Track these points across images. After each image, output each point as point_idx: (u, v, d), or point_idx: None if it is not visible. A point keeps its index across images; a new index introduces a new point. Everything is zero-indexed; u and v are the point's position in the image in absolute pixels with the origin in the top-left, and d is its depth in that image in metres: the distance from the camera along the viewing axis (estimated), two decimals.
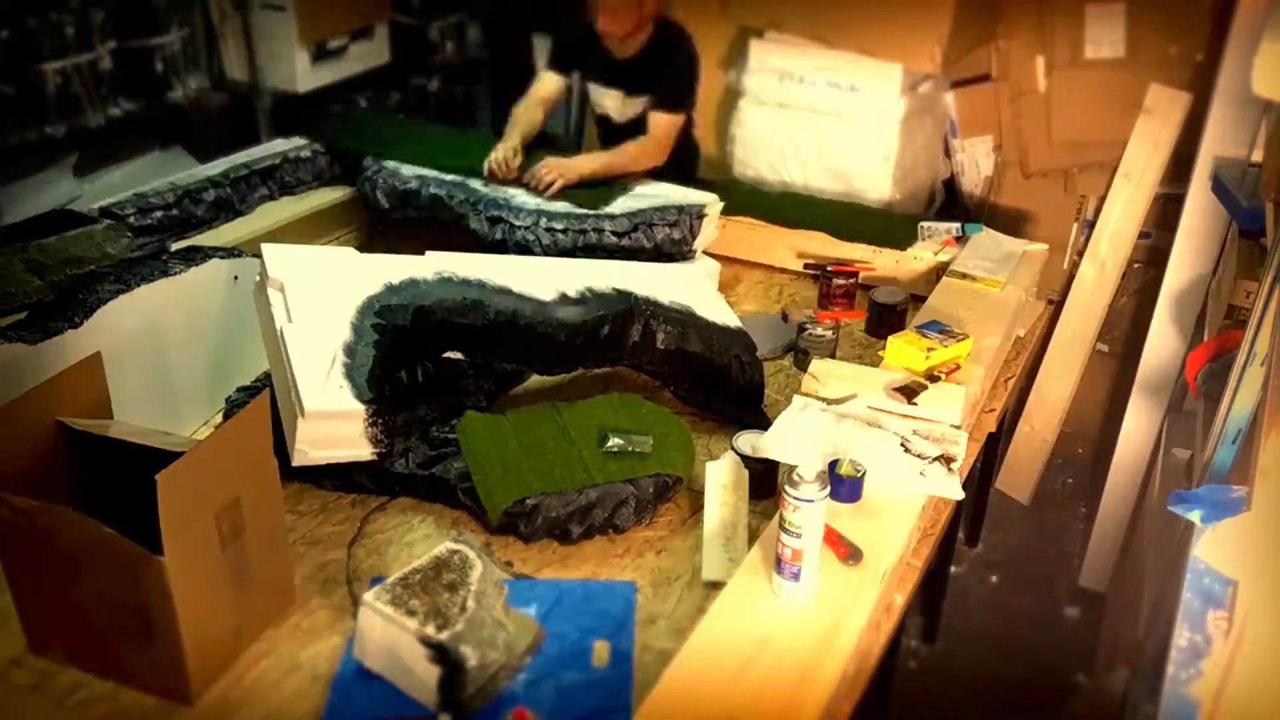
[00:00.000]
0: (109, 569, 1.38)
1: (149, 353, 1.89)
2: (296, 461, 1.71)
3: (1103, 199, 3.22)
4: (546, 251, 2.50)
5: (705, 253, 2.63)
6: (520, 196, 2.61)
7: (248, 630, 1.54)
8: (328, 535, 1.81)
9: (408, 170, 2.71)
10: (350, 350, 1.79)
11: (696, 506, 1.90)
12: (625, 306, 2.10)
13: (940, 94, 3.28)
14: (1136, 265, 3.27)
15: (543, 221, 2.52)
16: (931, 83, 3.20)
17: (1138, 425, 2.95)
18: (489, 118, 4.16)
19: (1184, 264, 2.85)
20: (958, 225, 2.72)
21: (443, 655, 1.39)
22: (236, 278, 2.12)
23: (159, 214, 2.41)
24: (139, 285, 1.85)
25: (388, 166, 2.74)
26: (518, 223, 2.52)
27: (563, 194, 2.62)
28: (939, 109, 3.30)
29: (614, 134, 2.91)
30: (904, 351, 2.08)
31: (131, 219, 2.37)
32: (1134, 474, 2.95)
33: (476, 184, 2.64)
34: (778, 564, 1.46)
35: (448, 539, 1.59)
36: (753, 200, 2.92)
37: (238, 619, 1.51)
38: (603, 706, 1.44)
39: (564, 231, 2.51)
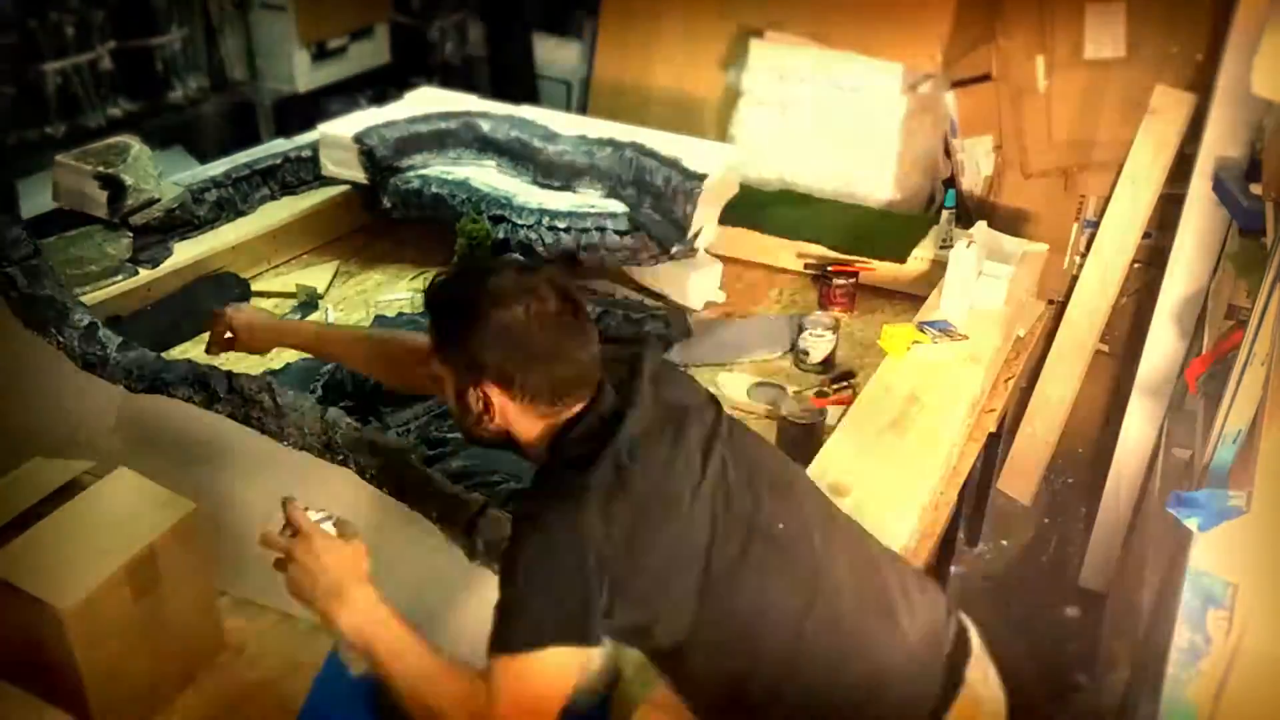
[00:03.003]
0: (8, 618, 1.35)
1: None
2: None
3: (1104, 199, 3.22)
4: (548, 251, 2.50)
5: (707, 251, 2.63)
6: (522, 196, 2.61)
7: (166, 683, 1.50)
8: None
9: (411, 170, 2.71)
10: None
11: None
12: None
13: (940, 94, 3.28)
14: (1137, 265, 3.27)
15: (545, 221, 2.52)
16: (931, 82, 3.19)
17: (1138, 425, 2.95)
18: None
19: (1184, 264, 2.85)
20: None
21: None
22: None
23: (160, 214, 2.41)
24: None
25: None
26: (520, 222, 2.52)
27: None
28: (939, 109, 3.30)
29: None
30: (894, 340, 2.12)
31: (133, 219, 2.37)
32: (1134, 474, 2.95)
33: (479, 184, 2.64)
34: None
35: None
36: (752, 200, 2.91)
37: (153, 672, 1.46)
38: None
39: (567, 230, 2.51)
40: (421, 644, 1.21)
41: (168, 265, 2.40)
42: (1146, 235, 3.21)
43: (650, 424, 1.29)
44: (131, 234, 2.30)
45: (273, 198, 2.69)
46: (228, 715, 1.51)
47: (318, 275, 2.62)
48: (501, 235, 2.52)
